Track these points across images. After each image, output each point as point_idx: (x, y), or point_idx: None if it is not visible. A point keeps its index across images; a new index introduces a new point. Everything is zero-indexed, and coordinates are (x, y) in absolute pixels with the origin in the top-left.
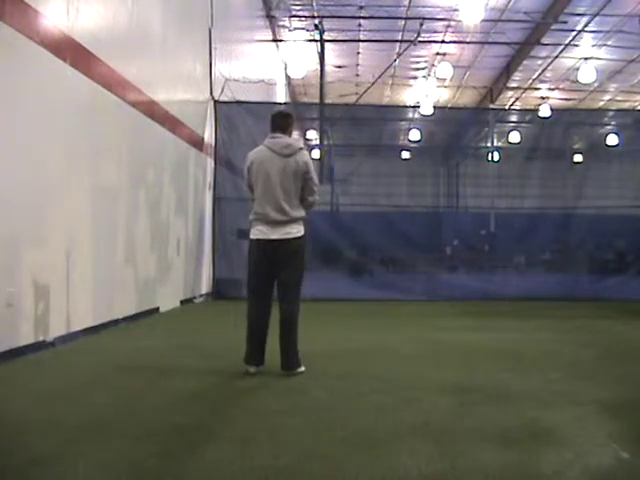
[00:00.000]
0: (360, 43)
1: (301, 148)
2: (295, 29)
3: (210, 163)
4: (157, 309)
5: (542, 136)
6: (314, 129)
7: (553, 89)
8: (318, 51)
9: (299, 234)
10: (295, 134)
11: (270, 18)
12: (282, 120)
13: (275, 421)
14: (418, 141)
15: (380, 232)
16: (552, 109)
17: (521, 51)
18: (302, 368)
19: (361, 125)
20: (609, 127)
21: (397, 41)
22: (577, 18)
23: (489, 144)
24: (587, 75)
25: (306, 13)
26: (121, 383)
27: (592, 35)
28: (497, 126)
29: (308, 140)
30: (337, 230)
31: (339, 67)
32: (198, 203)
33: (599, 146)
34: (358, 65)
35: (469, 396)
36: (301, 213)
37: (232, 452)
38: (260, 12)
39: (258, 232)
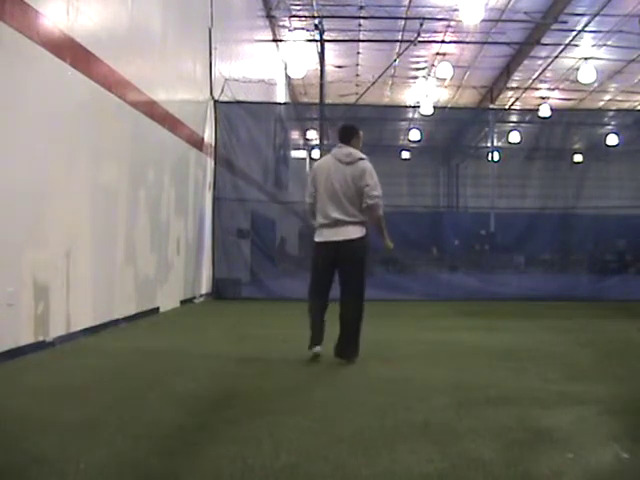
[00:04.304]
0: (360, 43)
1: (361, 158)
2: (295, 29)
3: (210, 163)
4: (157, 309)
5: (542, 136)
6: (314, 129)
7: (553, 89)
8: (318, 51)
9: (360, 235)
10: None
11: (270, 18)
12: (344, 132)
13: (275, 421)
14: (418, 141)
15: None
16: (552, 109)
17: (521, 51)
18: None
19: (361, 125)
20: (609, 127)
21: (397, 41)
22: (577, 18)
23: (489, 144)
24: (587, 75)
25: (306, 13)
26: (121, 383)
27: (592, 35)
28: (497, 126)
29: (308, 140)
30: None
31: (339, 67)
32: (198, 203)
33: (599, 146)
34: (358, 65)
35: (469, 396)
36: (361, 217)
37: (232, 452)
38: (260, 12)
39: (321, 235)
